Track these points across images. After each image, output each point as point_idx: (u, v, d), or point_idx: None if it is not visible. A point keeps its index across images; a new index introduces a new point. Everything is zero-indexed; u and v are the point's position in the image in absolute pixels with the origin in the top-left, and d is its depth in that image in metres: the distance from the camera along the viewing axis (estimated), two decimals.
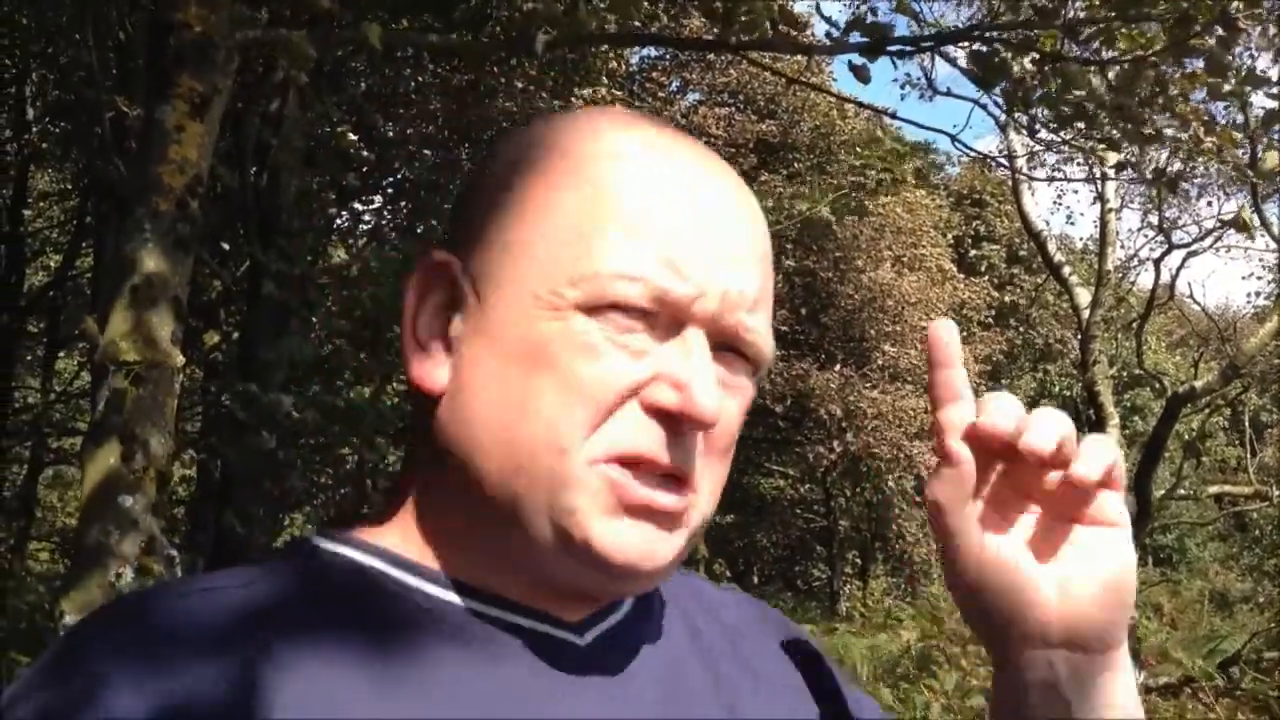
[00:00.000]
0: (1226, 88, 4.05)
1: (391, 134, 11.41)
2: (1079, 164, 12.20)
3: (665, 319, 0.73)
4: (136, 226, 3.23)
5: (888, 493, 18.68)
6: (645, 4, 6.33)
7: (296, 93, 7.20)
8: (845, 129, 16.81)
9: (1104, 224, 14.23)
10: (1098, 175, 11.19)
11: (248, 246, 7.43)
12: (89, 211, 12.01)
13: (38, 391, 14.47)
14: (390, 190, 12.79)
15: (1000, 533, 0.74)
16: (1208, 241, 14.89)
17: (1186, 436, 17.27)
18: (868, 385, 17.36)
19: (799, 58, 11.50)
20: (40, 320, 14.31)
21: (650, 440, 0.72)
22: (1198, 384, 12.63)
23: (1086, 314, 13.86)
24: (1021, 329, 22.68)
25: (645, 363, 0.73)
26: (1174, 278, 15.32)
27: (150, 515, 3.10)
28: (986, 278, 21.48)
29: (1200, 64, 4.02)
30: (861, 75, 3.78)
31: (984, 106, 5.08)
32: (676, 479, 0.73)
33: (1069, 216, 45.77)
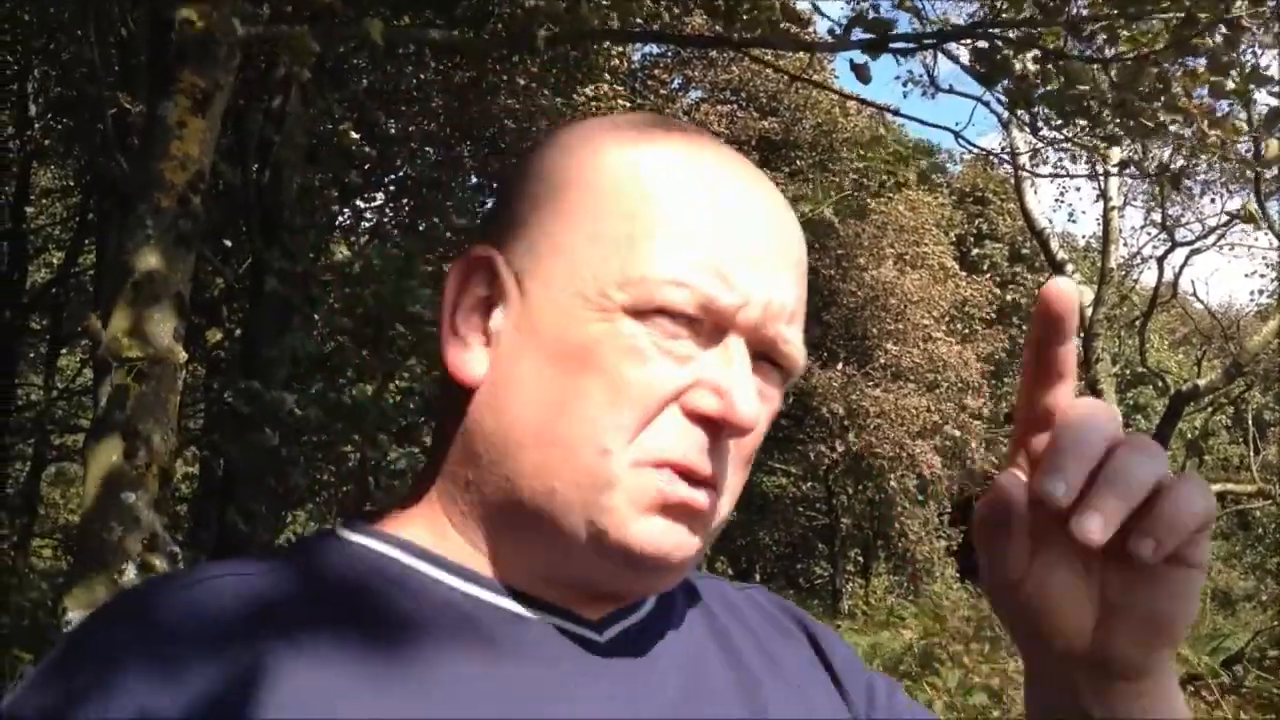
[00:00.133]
0: (1230, 86, 4.05)
1: (393, 131, 11.41)
2: (1083, 161, 12.19)
3: (709, 326, 0.74)
4: (139, 223, 3.23)
5: (890, 491, 18.67)
6: (648, 2, 6.33)
7: (299, 89, 7.20)
8: (847, 126, 16.80)
9: (1107, 221, 14.22)
10: (1100, 172, 11.18)
11: (250, 243, 7.43)
12: (91, 208, 12.02)
13: (40, 388, 14.47)
14: (392, 187, 12.79)
15: (1050, 556, 0.68)
16: (1211, 239, 14.88)
17: (1189, 435, 17.26)
18: (870, 384, 17.35)
19: (801, 55, 11.49)
20: (43, 317, 14.32)
21: (690, 447, 0.73)
22: (1201, 382, 12.62)
23: (1089, 312, 13.85)
24: (1024, 327, 22.63)
25: (689, 369, 0.73)
26: (1177, 275, 15.33)
27: (153, 512, 3.10)
28: (989, 276, 21.45)
29: (1203, 62, 4.02)
30: (863, 75, 3.77)
31: (986, 104, 5.09)
32: (705, 482, 0.74)
33: (1071, 214, 45.70)
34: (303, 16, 5.11)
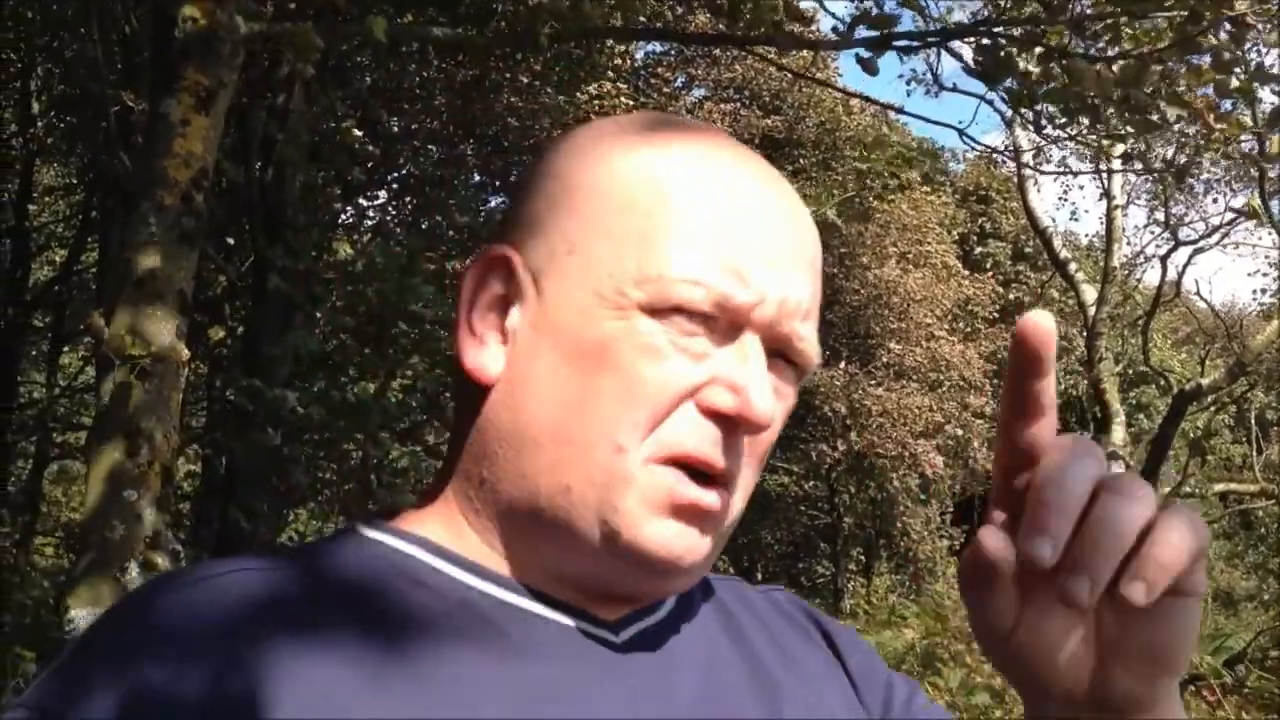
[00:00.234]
0: (1234, 84, 4.04)
1: (396, 129, 11.41)
2: (1087, 159, 12.18)
3: (724, 324, 0.74)
4: (141, 221, 3.23)
5: (892, 490, 18.66)
6: (651, 1, 6.32)
7: (302, 87, 7.19)
8: (851, 125, 16.78)
9: (1110, 220, 14.20)
10: (1104, 169, 11.17)
11: (253, 241, 7.43)
12: (94, 206, 12.02)
13: (43, 386, 14.48)
14: (395, 185, 12.78)
15: (1042, 603, 0.66)
16: (1214, 238, 14.86)
17: (1192, 434, 17.24)
18: (872, 383, 17.35)
19: (805, 54, 11.48)
20: (45, 315, 14.32)
21: (704, 441, 0.73)
22: (1204, 381, 12.61)
23: (1092, 311, 13.83)
24: None
25: (704, 366, 0.73)
26: (1180, 274, 15.31)
27: (155, 510, 3.10)
28: (991, 274, 21.44)
29: (1207, 59, 4.01)
30: (869, 67, 3.76)
31: (990, 102, 5.08)
32: (718, 479, 0.74)
33: (1074, 213, 45.61)
34: (306, 14, 5.11)
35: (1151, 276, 16.95)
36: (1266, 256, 16.31)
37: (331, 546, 0.78)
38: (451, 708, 0.68)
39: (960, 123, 9.36)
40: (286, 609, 0.70)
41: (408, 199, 12.78)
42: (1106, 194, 14.26)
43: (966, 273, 19.84)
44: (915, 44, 4.17)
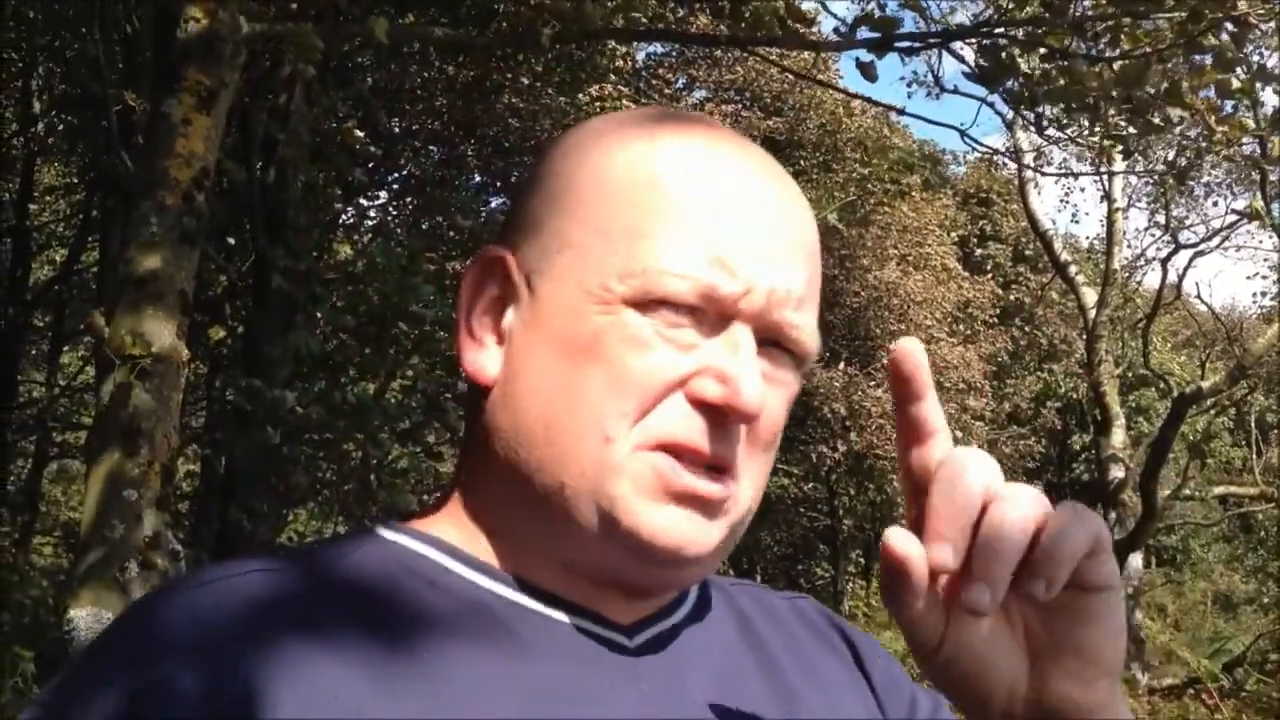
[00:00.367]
0: (1235, 84, 4.03)
1: (398, 130, 11.41)
2: (1088, 161, 12.18)
3: (713, 315, 0.74)
4: (142, 220, 3.23)
5: (891, 492, 18.65)
6: (653, 2, 6.32)
7: (303, 88, 7.19)
8: (851, 127, 16.77)
9: (1111, 223, 14.21)
10: (1105, 171, 11.17)
11: (254, 241, 7.42)
12: (95, 206, 12.02)
13: (43, 385, 14.48)
14: (396, 186, 12.80)
15: (962, 614, 0.67)
16: (1215, 241, 14.86)
17: (1191, 437, 17.24)
18: (872, 384, 17.34)
19: (806, 55, 11.48)
20: (46, 314, 14.32)
21: (693, 430, 0.73)
22: (1204, 384, 12.60)
23: (1093, 313, 13.83)
24: (1027, 328, 22.63)
25: (692, 356, 0.74)
26: (1181, 278, 15.31)
27: (155, 510, 3.10)
28: (991, 277, 21.43)
29: (1209, 59, 4.01)
30: (869, 73, 3.76)
31: (991, 104, 5.08)
32: (718, 469, 0.74)
33: (1075, 215, 45.66)
34: (307, 15, 5.11)
35: (1152, 279, 16.96)
36: (1266, 259, 16.31)
37: (346, 547, 0.78)
38: (461, 708, 0.68)
39: (961, 124, 9.37)
40: (294, 610, 0.70)
41: (409, 199, 12.79)
42: (1107, 197, 14.26)
43: (967, 275, 19.84)
44: (917, 45, 4.17)
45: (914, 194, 17.33)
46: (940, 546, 0.64)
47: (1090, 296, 14.25)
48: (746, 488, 0.76)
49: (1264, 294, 18.61)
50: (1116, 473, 13.30)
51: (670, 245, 0.73)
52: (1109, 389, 13.67)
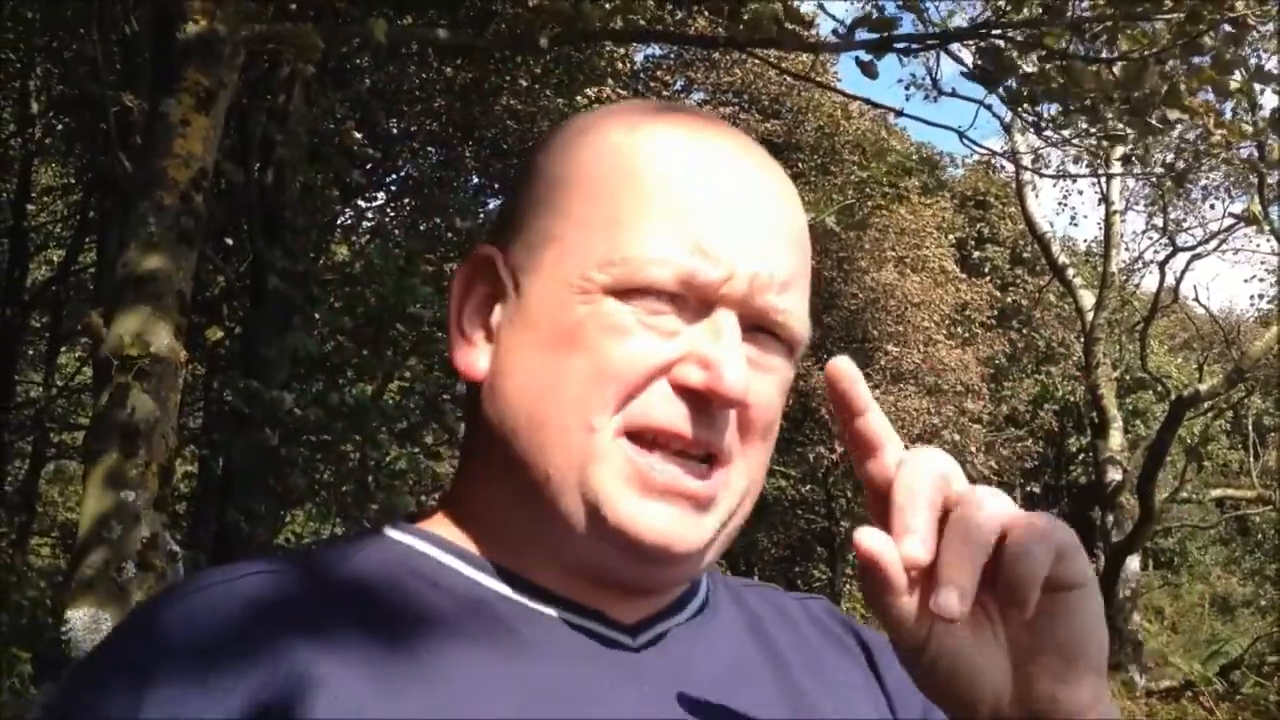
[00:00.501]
0: (1233, 85, 4.04)
1: (396, 131, 11.41)
2: (1085, 164, 12.20)
3: (695, 301, 0.74)
4: (140, 220, 3.23)
5: None
6: (650, 4, 6.32)
7: (302, 88, 7.19)
8: (849, 129, 16.78)
9: (1108, 225, 14.23)
10: (1103, 172, 11.19)
11: (251, 242, 7.42)
12: (92, 206, 12.02)
13: (40, 386, 14.46)
14: (394, 187, 12.80)
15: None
16: (1213, 244, 14.88)
17: (1189, 440, 17.26)
18: (870, 385, 17.29)
19: (805, 57, 11.48)
20: (43, 315, 14.31)
21: (676, 415, 0.73)
22: (1202, 387, 12.61)
23: (1090, 316, 13.85)
24: (1024, 331, 22.64)
25: (675, 343, 0.73)
26: (1178, 280, 15.32)
27: (152, 510, 3.10)
28: (989, 279, 21.43)
29: (1208, 61, 4.01)
30: (869, 70, 3.76)
31: (989, 107, 5.08)
32: (706, 461, 0.74)
33: (1073, 218, 45.68)
34: (306, 16, 5.11)
35: (1149, 282, 16.97)
36: (1264, 262, 16.33)
37: (348, 549, 0.78)
38: (461, 708, 0.68)
39: (959, 126, 9.37)
40: (292, 613, 0.70)
41: (406, 201, 12.78)
42: (1105, 199, 14.28)
43: (964, 277, 19.84)
44: (915, 46, 4.17)
45: (912, 197, 17.32)
46: (908, 539, 0.64)
47: (1088, 299, 14.27)
48: (739, 476, 0.76)
49: (1261, 296, 18.65)
50: (1114, 475, 13.31)
51: (650, 233, 0.73)
52: (1106, 391, 13.69)
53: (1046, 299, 20.94)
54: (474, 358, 0.78)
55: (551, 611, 0.75)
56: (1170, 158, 9.60)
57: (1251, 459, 16.40)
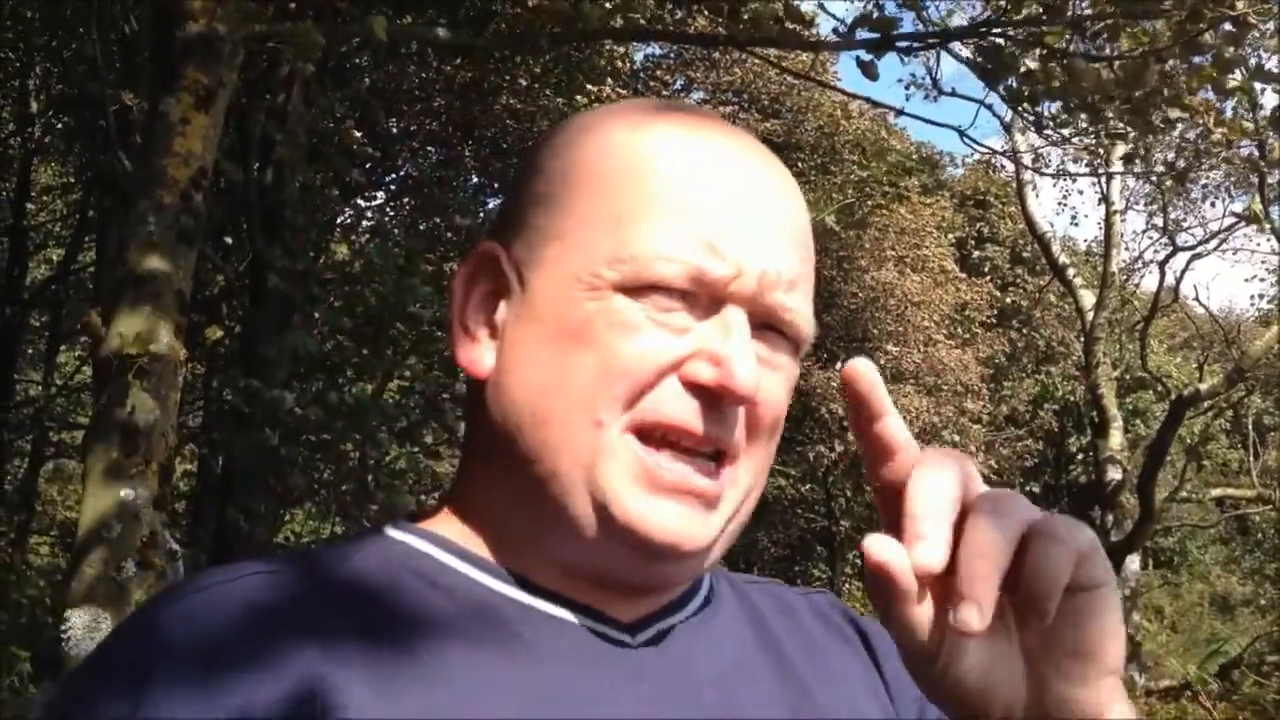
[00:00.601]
0: (1233, 83, 4.04)
1: (395, 130, 11.40)
2: (1086, 164, 12.20)
3: (704, 298, 0.74)
4: (140, 219, 3.22)
5: None
6: (650, 3, 6.32)
7: (301, 87, 7.19)
8: (850, 129, 16.78)
9: (1109, 225, 14.22)
10: (1103, 172, 11.19)
11: (251, 241, 7.41)
12: (92, 205, 12.01)
13: (39, 385, 14.46)
14: (394, 186, 12.79)
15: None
16: (1213, 243, 14.88)
17: (1189, 440, 17.26)
18: None
19: (805, 57, 11.48)
20: (43, 314, 14.31)
21: (687, 411, 0.73)
22: (1202, 387, 12.61)
23: (1090, 316, 13.84)
24: (1024, 330, 22.63)
25: (685, 340, 0.73)
26: (1178, 280, 15.32)
27: (152, 509, 3.10)
28: (989, 279, 21.43)
29: (1208, 60, 4.01)
30: (869, 71, 3.76)
31: (989, 106, 5.09)
32: (715, 458, 0.74)
33: (1073, 218, 45.68)
34: (306, 15, 5.11)
35: (1150, 282, 16.96)
36: (1264, 262, 16.33)
37: (349, 549, 0.78)
38: (460, 708, 0.68)
39: (959, 126, 9.37)
40: (293, 612, 0.70)
41: (406, 200, 12.78)
42: (1105, 199, 14.27)
43: (964, 277, 19.84)
44: (916, 45, 4.17)
45: (912, 197, 17.32)
46: (921, 545, 0.61)
47: (1088, 299, 14.26)
48: (745, 474, 0.76)
49: (1262, 296, 18.64)
50: (1114, 475, 13.31)
51: (659, 230, 0.73)
52: (1106, 391, 13.68)
53: (1046, 299, 20.94)
54: (478, 354, 0.78)
55: (552, 610, 0.75)
56: (1171, 156, 9.61)
57: (1251, 458, 16.39)
